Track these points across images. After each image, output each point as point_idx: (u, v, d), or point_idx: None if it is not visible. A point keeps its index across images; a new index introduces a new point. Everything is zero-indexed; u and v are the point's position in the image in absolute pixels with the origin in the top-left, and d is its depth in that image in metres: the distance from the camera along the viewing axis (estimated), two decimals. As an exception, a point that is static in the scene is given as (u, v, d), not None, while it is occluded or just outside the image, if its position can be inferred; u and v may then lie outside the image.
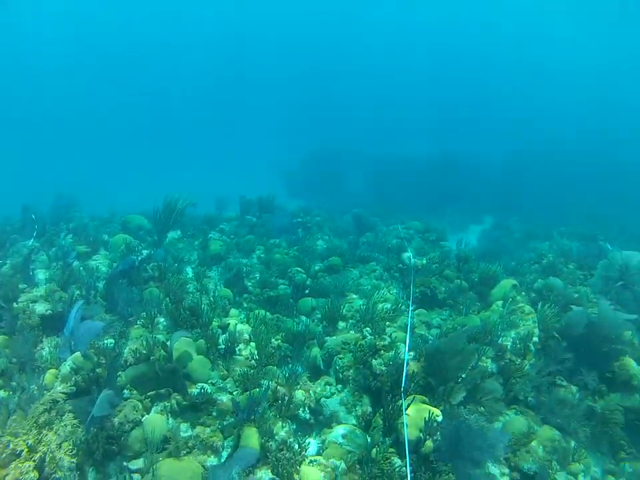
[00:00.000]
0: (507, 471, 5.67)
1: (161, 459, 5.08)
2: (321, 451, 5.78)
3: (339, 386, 7.00)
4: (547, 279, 9.67)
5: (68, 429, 5.29)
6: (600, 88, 63.35)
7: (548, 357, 7.33)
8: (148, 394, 5.98)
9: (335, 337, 7.97)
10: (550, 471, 5.74)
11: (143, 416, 5.61)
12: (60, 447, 5.04)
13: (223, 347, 7.33)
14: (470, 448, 5.43)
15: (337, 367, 7.23)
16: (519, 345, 7.56)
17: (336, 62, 71.83)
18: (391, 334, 7.85)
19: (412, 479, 5.05)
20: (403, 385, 6.26)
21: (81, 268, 9.38)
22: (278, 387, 6.45)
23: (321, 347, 7.82)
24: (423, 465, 5.36)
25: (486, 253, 12.67)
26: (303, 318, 8.87)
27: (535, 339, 7.77)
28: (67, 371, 6.22)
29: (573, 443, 6.31)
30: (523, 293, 9.41)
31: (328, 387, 6.97)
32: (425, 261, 11.03)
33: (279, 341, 7.91)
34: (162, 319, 7.87)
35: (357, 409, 6.54)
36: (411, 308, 8.72)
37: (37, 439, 5.00)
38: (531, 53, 67.96)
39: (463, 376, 6.56)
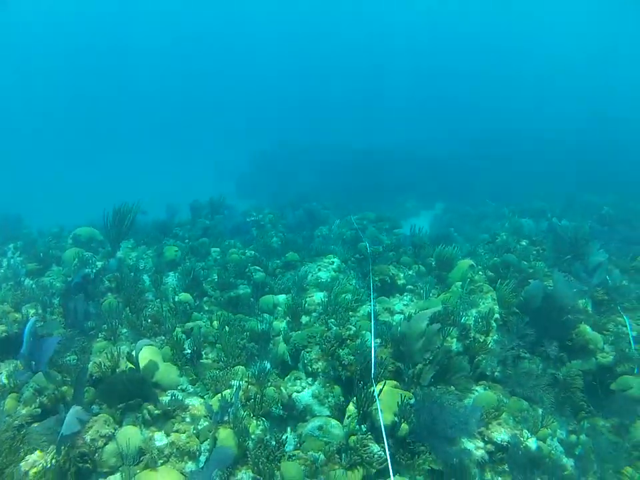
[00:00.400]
0: (481, 444, 5.82)
1: (138, 471, 4.99)
2: (299, 445, 5.80)
3: (309, 379, 7.03)
4: (503, 256, 9.93)
5: (36, 453, 5.13)
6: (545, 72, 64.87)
7: (510, 332, 7.55)
8: (118, 407, 5.84)
9: (300, 332, 7.97)
10: (521, 439, 5.93)
11: (115, 429, 5.47)
12: (27, 475, 4.86)
13: (189, 351, 7.26)
14: (444, 426, 5.56)
15: (305, 361, 7.24)
16: (481, 323, 7.75)
17: (285, 60, 72.81)
18: (355, 323, 7.92)
19: (391, 462, 5.13)
20: (372, 372, 6.34)
21: (34, 286, 9.07)
22: (249, 386, 6.43)
23: (287, 342, 7.81)
24: (401, 448, 5.46)
25: (439, 236, 12.86)
26: (266, 316, 8.78)
27: (497, 315, 7.98)
28: (29, 393, 6.00)
29: (540, 411, 6.56)
30: (480, 273, 9.62)
31: (298, 381, 6.99)
32: (381, 249, 11.13)
33: (245, 340, 7.85)
34: (124, 330, 7.72)
35: (330, 400, 6.58)
36: (372, 296, 8.79)
37: (1, 470, 4.78)
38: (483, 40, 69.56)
39: (431, 358, 6.69)
